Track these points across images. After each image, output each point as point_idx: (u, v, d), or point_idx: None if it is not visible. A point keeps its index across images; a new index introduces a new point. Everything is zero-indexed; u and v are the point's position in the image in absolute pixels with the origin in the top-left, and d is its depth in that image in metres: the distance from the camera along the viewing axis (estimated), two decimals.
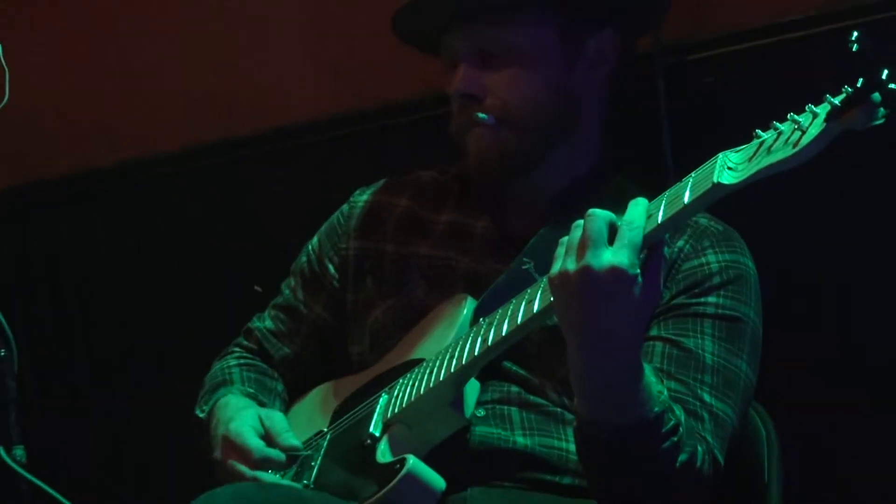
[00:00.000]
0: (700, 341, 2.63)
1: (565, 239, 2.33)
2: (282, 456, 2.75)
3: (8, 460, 2.80)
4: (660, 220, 2.28)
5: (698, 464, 2.48)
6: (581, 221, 2.31)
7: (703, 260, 2.69)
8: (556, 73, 2.82)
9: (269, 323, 3.08)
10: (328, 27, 3.66)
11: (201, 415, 2.95)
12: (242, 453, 2.74)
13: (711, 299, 2.67)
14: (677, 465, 2.44)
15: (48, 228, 3.80)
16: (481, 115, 2.80)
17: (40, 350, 3.60)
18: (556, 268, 2.33)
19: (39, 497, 2.84)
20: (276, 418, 2.83)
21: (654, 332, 2.63)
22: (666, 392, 2.46)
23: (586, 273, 2.26)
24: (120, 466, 3.69)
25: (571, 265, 2.29)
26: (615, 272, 2.25)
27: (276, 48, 3.71)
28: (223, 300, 3.35)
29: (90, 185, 3.80)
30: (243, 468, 2.73)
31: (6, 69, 2.91)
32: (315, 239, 3.07)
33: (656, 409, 2.40)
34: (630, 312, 2.31)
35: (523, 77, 2.81)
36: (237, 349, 3.10)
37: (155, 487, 3.34)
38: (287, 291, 3.08)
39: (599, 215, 2.30)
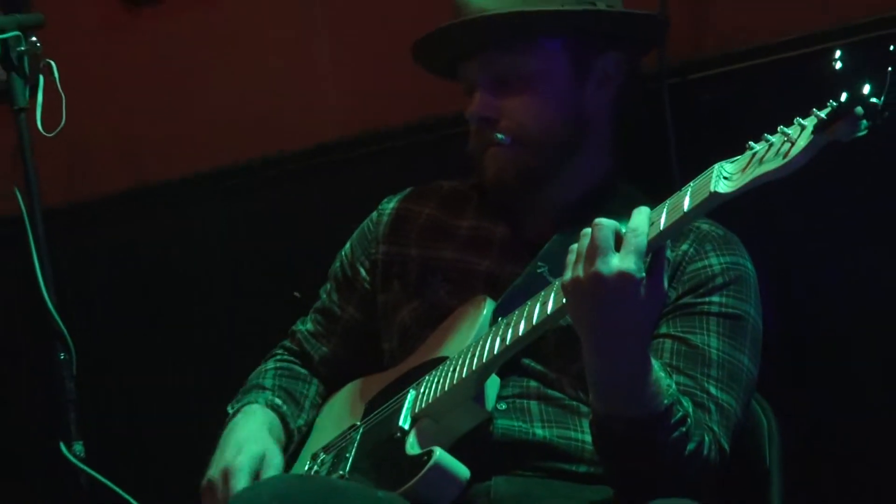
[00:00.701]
0: (706, 338, 2.64)
1: (575, 246, 2.34)
2: None
3: (68, 455, 2.82)
4: (662, 226, 2.30)
5: (705, 452, 2.49)
6: (589, 230, 2.32)
7: (706, 262, 2.70)
8: (566, 94, 2.83)
9: (309, 325, 3.11)
10: (358, 53, 3.67)
11: (230, 410, 2.98)
12: (227, 490, 2.79)
13: (715, 299, 2.68)
14: (686, 453, 2.45)
15: (103, 241, 3.81)
16: (499, 135, 2.80)
17: (97, 354, 3.60)
18: (567, 275, 2.34)
19: (97, 488, 2.85)
20: (273, 465, 2.85)
21: (662, 330, 2.64)
22: (674, 386, 2.47)
23: (596, 279, 2.28)
24: (169, 460, 3.68)
25: (582, 272, 2.30)
26: (623, 277, 2.26)
27: (311, 73, 3.73)
28: (266, 305, 3.37)
29: (141, 199, 3.81)
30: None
31: (62, 95, 2.91)
32: (347, 245, 3.09)
33: (666, 401, 2.40)
34: (638, 313, 2.32)
35: (536, 100, 2.82)
36: (280, 350, 3.13)
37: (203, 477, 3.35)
38: (324, 295, 3.10)
39: (605, 224, 2.31)
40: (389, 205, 3.06)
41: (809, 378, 3.24)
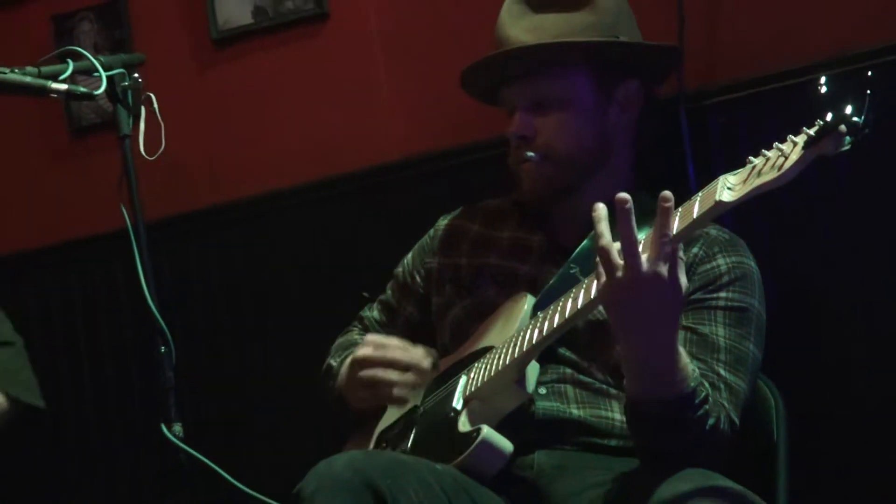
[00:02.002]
0: (714, 328, 2.67)
1: (609, 247, 2.35)
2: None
3: (169, 435, 2.82)
4: (674, 231, 2.32)
5: (721, 426, 2.52)
6: (606, 240, 2.36)
7: (714, 263, 2.73)
8: (592, 116, 2.86)
9: (375, 314, 3.17)
10: (414, 85, 3.70)
11: (334, 363, 3.02)
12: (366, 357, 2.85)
13: (722, 294, 2.70)
14: (707, 428, 2.49)
15: (196, 249, 3.84)
16: (529, 154, 2.85)
17: (192, 347, 3.63)
18: (602, 279, 2.36)
19: (193, 463, 2.86)
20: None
21: (683, 323, 2.61)
22: (697, 370, 2.49)
23: (630, 279, 2.31)
24: (255, 437, 3.73)
25: (619, 275, 2.32)
26: (654, 275, 2.29)
27: (373, 102, 3.74)
28: (336, 303, 3.38)
29: (228, 213, 3.83)
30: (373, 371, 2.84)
31: (161, 124, 2.93)
32: (409, 255, 3.15)
33: (692, 384, 2.44)
34: (663, 306, 2.34)
35: (566, 120, 2.86)
36: (353, 328, 3.19)
37: (286, 455, 3.36)
38: (389, 292, 3.17)
39: (632, 230, 2.34)
40: (443, 222, 3.13)
41: (812, 360, 3.24)
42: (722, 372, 2.62)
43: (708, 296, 2.70)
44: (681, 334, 2.59)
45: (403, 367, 2.85)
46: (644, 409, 2.48)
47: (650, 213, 2.52)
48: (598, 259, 2.36)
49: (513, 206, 3.04)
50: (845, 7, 3.27)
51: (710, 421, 2.50)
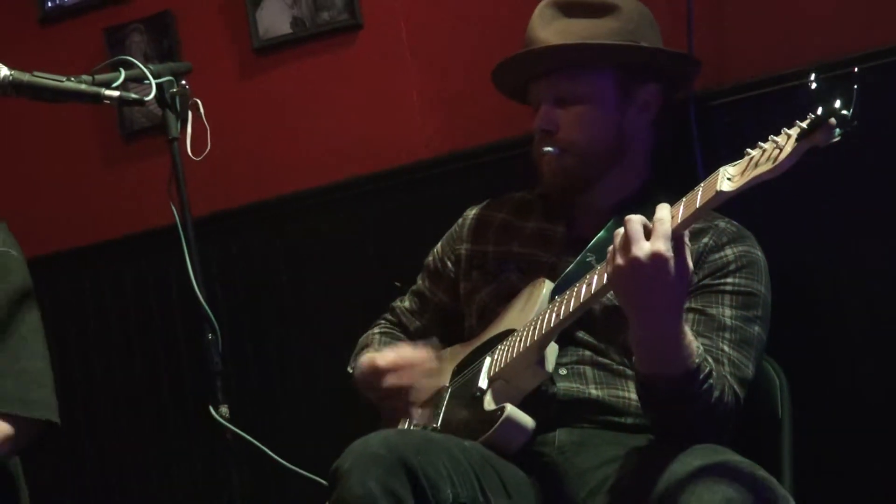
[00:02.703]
0: (721, 309, 2.68)
1: (618, 235, 2.38)
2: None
3: (216, 416, 2.83)
4: (680, 219, 2.34)
5: (725, 398, 2.54)
6: (622, 229, 2.36)
7: (723, 252, 2.74)
8: (611, 115, 2.87)
9: (406, 303, 3.18)
10: (442, 87, 3.70)
11: (350, 370, 3.02)
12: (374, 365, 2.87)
13: (729, 280, 2.72)
14: (713, 400, 2.50)
15: (240, 243, 3.85)
16: (546, 148, 2.86)
17: (237, 334, 3.65)
18: (609, 266, 2.39)
19: (239, 442, 2.86)
20: (406, 350, 2.94)
21: (686, 306, 2.59)
22: (702, 347, 2.50)
23: (634, 262, 2.32)
24: (295, 417, 3.75)
25: (621, 260, 2.34)
26: (655, 257, 2.31)
27: (404, 104, 3.74)
28: (370, 292, 3.40)
29: (269, 209, 3.84)
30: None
31: (207, 127, 2.94)
32: (439, 244, 3.16)
33: (697, 360, 2.45)
34: (671, 287, 2.35)
35: (587, 117, 2.87)
36: (383, 321, 3.20)
37: (324, 434, 3.37)
38: (420, 281, 3.18)
39: (634, 218, 2.36)
40: (471, 212, 3.13)
41: (816, 343, 3.23)
42: (726, 348, 2.63)
43: (716, 281, 2.71)
44: (689, 315, 2.63)
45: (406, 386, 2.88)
46: (653, 386, 2.49)
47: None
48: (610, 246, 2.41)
49: (537, 197, 3.05)
50: (842, 12, 3.27)
51: (715, 393, 2.51)
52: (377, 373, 2.89)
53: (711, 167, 2.40)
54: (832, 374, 3.24)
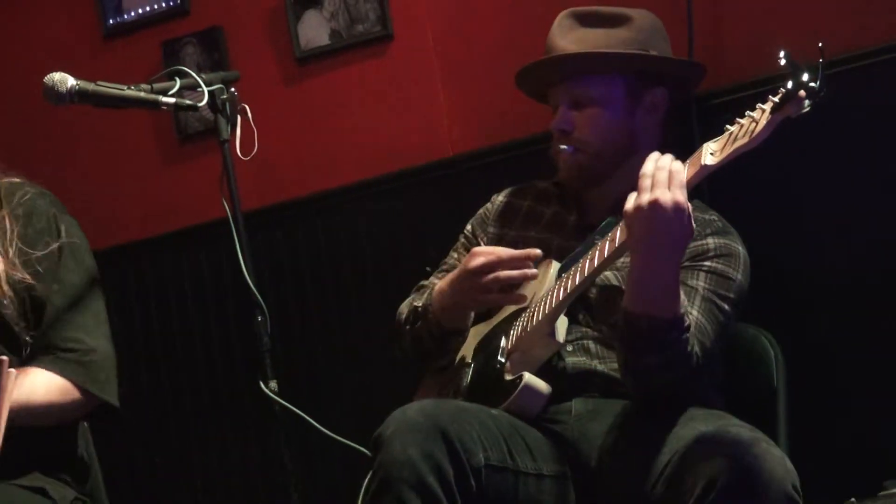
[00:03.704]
0: (696, 282, 2.66)
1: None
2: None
3: (266, 390, 2.83)
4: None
5: (696, 352, 2.53)
6: (647, 168, 2.39)
7: (704, 241, 2.75)
8: (622, 116, 2.88)
9: (436, 280, 3.12)
10: (466, 89, 3.70)
11: (420, 304, 2.94)
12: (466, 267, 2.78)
13: (707, 263, 2.71)
14: (688, 350, 2.50)
15: (285, 234, 3.86)
16: (563, 146, 2.87)
17: (284, 316, 3.66)
18: (630, 204, 2.40)
19: (287, 414, 2.87)
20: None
21: None
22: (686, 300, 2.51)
23: (655, 204, 2.34)
24: (339, 390, 3.76)
25: (645, 200, 2.35)
26: (675, 202, 2.33)
27: (431, 106, 3.74)
28: (403, 279, 3.38)
29: (311, 204, 3.85)
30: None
31: (254, 130, 2.95)
32: (469, 225, 3.14)
33: (681, 310, 2.46)
34: (680, 234, 2.38)
35: (599, 118, 2.88)
36: (415, 294, 3.13)
37: (365, 405, 3.37)
38: (450, 261, 3.11)
39: (661, 165, 2.38)
40: (499, 197, 3.13)
41: (807, 316, 3.22)
42: (694, 313, 2.60)
43: (695, 263, 2.70)
44: None
45: (517, 264, 2.75)
46: (638, 325, 2.48)
47: None
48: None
49: (555, 187, 3.06)
50: (831, 17, 3.27)
51: (689, 346, 2.51)
52: (493, 252, 2.78)
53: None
54: (821, 346, 3.23)
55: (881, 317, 3.20)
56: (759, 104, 2.24)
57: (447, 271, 3.13)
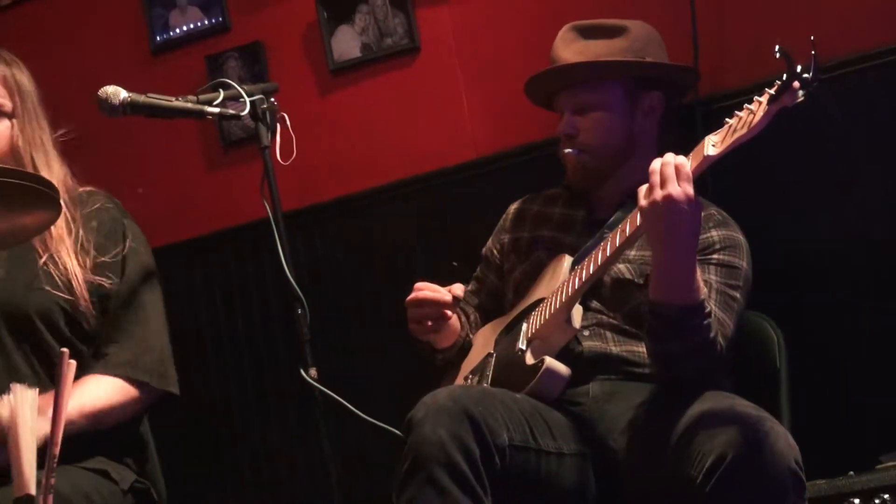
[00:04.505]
0: (708, 276, 2.66)
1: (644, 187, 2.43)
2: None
3: (307, 377, 2.83)
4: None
5: (718, 339, 2.54)
6: (656, 165, 2.40)
7: (709, 234, 2.75)
8: (622, 119, 2.91)
9: (469, 286, 3.17)
10: (487, 97, 3.70)
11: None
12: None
13: (714, 256, 2.72)
14: (710, 336, 2.51)
15: (322, 232, 3.87)
16: (568, 149, 2.88)
17: (321, 308, 3.62)
18: (644, 201, 2.41)
19: (326, 399, 2.86)
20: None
21: None
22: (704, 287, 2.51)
23: (668, 198, 2.34)
24: (375, 377, 3.76)
25: (659, 195, 2.36)
26: (687, 194, 2.34)
27: (455, 112, 3.74)
28: (431, 273, 3.37)
29: (346, 204, 3.85)
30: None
31: (293, 137, 2.94)
32: (491, 237, 3.17)
33: (702, 297, 2.46)
34: (694, 219, 2.40)
35: (601, 122, 2.90)
36: None
37: (398, 391, 3.36)
38: (478, 269, 3.18)
39: (668, 162, 2.39)
40: (513, 207, 3.17)
41: (805, 303, 3.21)
42: (712, 306, 2.60)
43: (703, 256, 2.70)
44: None
45: (430, 304, 2.87)
46: (662, 312, 2.49)
47: None
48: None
49: (563, 188, 3.07)
50: (830, 24, 3.27)
51: (711, 333, 2.51)
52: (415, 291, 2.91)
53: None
54: (819, 332, 3.23)
55: (876, 304, 3.21)
56: (756, 96, 2.24)
57: (475, 279, 3.20)
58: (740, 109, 3.04)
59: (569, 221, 2.99)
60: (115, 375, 2.79)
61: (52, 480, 2.26)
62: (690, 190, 2.36)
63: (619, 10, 3.14)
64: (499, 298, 3.13)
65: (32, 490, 2.23)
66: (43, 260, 2.80)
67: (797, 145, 3.12)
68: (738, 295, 2.70)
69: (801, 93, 2.18)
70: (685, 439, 2.38)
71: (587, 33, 2.97)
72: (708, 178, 3.14)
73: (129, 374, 2.80)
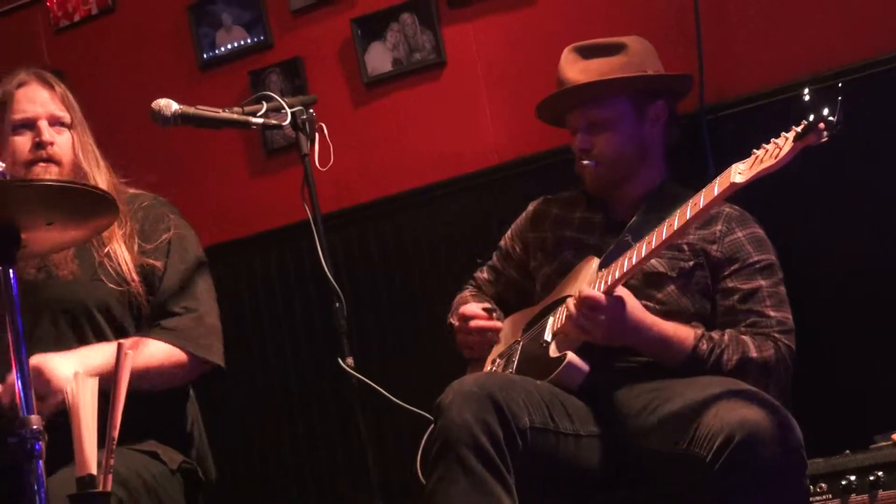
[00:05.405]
0: (756, 282, 2.69)
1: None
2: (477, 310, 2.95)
3: (344, 366, 2.83)
4: (701, 204, 2.35)
5: (788, 347, 2.61)
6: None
7: (735, 235, 2.76)
8: (631, 131, 2.90)
9: (485, 274, 3.20)
10: (508, 106, 3.68)
11: (453, 321, 3.03)
12: (463, 315, 2.93)
13: (753, 259, 2.73)
14: (730, 367, 2.56)
15: (358, 232, 3.85)
16: (585, 161, 2.87)
17: (358, 302, 3.65)
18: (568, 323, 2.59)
19: (362, 387, 2.86)
20: (485, 305, 2.98)
21: (730, 284, 2.69)
22: (700, 330, 2.59)
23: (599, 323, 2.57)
24: (408, 366, 3.74)
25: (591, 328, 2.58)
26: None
27: (478, 121, 3.72)
28: (458, 269, 3.39)
29: (379, 207, 3.84)
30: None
31: (330, 145, 2.94)
32: (509, 231, 3.17)
33: (692, 343, 2.56)
34: (619, 322, 2.56)
35: (612, 136, 2.88)
36: (468, 287, 3.20)
37: (428, 378, 3.35)
38: (494, 258, 3.18)
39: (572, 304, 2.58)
40: (532, 206, 3.15)
41: (803, 292, 3.17)
42: (771, 313, 2.64)
43: (743, 265, 2.71)
44: (733, 293, 2.69)
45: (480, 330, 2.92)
46: (673, 369, 2.60)
47: (676, 199, 2.57)
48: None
49: (581, 193, 3.04)
50: (828, 36, 3.24)
51: (734, 360, 2.56)
52: (466, 318, 2.93)
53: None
54: (816, 322, 3.15)
55: (874, 294, 3.18)
56: (784, 133, 2.25)
57: (490, 267, 3.19)
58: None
59: (589, 223, 2.98)
60: (164, 340, 2.82)
61: (111, 461, 2.27)
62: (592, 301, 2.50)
63: (628, 21, 3.15)
64: (516, 290, 3.13)
65: (94, 469, 2.25)
66: (100, 255, 2.86)
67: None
68: (782, 288, 2.72)
69: (825, 134, 2.18)
70: (695, 422, 2.39)
71: (587, 53, 2.96)
72: (710, 157, 3.15)
73: (177, 341, 2.84)
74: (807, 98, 2.20)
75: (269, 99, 2.92)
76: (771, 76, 3.27)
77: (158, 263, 2.89)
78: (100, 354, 2.70)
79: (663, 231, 2.49)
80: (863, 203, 3.18)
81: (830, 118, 2.17)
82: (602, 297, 2.50)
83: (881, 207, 3.17)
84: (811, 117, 2.18)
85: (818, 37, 3.24)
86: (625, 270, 2.54)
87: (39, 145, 2.86)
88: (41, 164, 2.86)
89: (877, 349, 3.17)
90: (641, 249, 2.53)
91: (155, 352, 2.80)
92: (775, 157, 2.24)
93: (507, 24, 3.67)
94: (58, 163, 2.88)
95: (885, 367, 3.15)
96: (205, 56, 4.04)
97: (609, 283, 2.58)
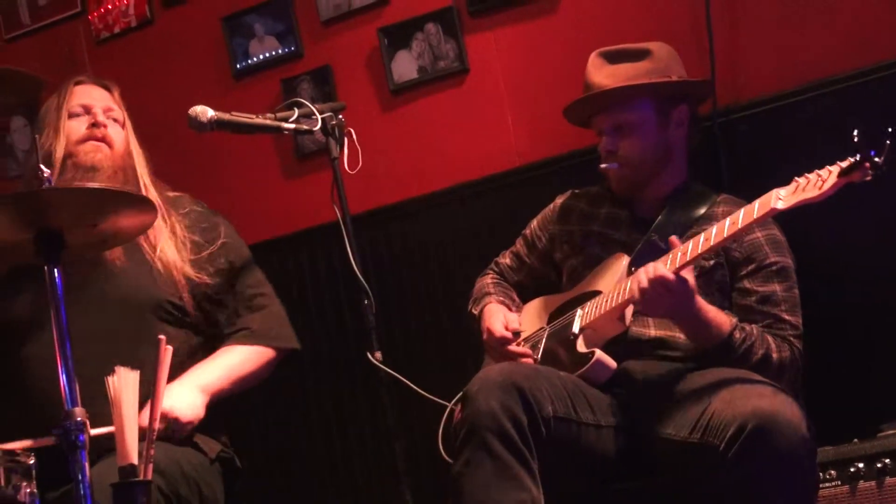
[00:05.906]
0: (772, 287, 2.67)
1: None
2: (508, 334, 2.88)
3: (372, 360, 2.83)
4: (739, 225, 2.36)
5: (775, 355, 2.56)
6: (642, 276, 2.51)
7: (755, 236, 2.73)
8: (655, 134, 2.87)
9: (507, 260, 3.20)
10: (529, 110, 3.67)
11: (475, 312, 3.03)
12: (491, 332, 2.89)
13: (770, 261, 2.70)
14: (756, 359, 2.54)
15: (385, 232, 3.85)
16: (611, 164, 2.87)
17: (386, 299, 3.65)
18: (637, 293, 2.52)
19: (390, 380, 2.85)
20: (511, 318, 2.93)
21: (747, 285, 2.67)
22: (736, 319, 2.56)
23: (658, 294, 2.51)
24: (433, 359, 3.74)
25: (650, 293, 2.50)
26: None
27: (500, 124, 3.72)
28: (478, 268, 3.38)
29: (407, 207, 3.84)
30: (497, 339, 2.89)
31: (359, 149, 2.94)
32: (534, 221, 3.17)
33: (727, 330, 2.51)
34: (684, 299, 2.49)
35: (637, 138, 2.86)
36: (490, 272, 3.19)
37: (454, 370, 3.34)
38: (518, 245, 3.17)
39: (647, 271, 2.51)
40: (559, 200, 3.14)
41: (810, 286, 3.15)
42: (786, 317, 2.64)
43: (759, 266, 2.70)
44: (750, 294, 2.68)
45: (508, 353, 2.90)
46: (702, 353, 2.58)
47: (699, 198, 2.56)
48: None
49: (606, 191, 3.03)
50: (835, 42, 3.22)
51: (759, 352, 2.54)
52: (494, 337, 2.93)
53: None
54: (824, 313, 3.13)
55: (876, 288, 3.16)
56: (828, 166, 2.24)
57: (514, 254, 3.18)
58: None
59: (615, 219, 2.96)
60: (252, 344, 2.93)
61: (152, 451, 2.27)
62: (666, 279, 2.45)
63: (643, 27, 3.12)
64: (536, 278, 3.14)
65: (135, 459, 2.26)
66: (152, 258, 2.90)
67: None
68: (796, 291, 2.71)
69: (871, 173, 2.17)
70: (709, 411, 2.38)
71: (614, 59, 2.94)
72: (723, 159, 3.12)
73: (263, 342, 2.95)
74: (857, 139, 2.19)
75: (300, 105, 2.93)
76: (782, 81, 3.26)
77: (210, 279, 2.95)
78: (208, 372, 2.83)
79: (698, 245, 2.50)
80: (863, 202, 3.14)
81: (877, 160, 2.16)
82: (673, 276, 2.47)
83: (882, 208, 3.13)
84: (858, 156, 2.18)
85: (831, 40, 3.22)
86: (699, 251, 2.52)
87: (95, 125, 2.93)
88: (93, 141, 2.91)
89: (885, 340, 3.15)
90: (675, 259, 2.52)
91: (250, 356, 2.92)
92: (819, 189, 2.24)
93: (527, 32, 3.66)
94: (109, 145, 2.94)
95: (893, 358, 3.13)
96: (238, 65, 4.05)
97: (678, 264, 2.55)
